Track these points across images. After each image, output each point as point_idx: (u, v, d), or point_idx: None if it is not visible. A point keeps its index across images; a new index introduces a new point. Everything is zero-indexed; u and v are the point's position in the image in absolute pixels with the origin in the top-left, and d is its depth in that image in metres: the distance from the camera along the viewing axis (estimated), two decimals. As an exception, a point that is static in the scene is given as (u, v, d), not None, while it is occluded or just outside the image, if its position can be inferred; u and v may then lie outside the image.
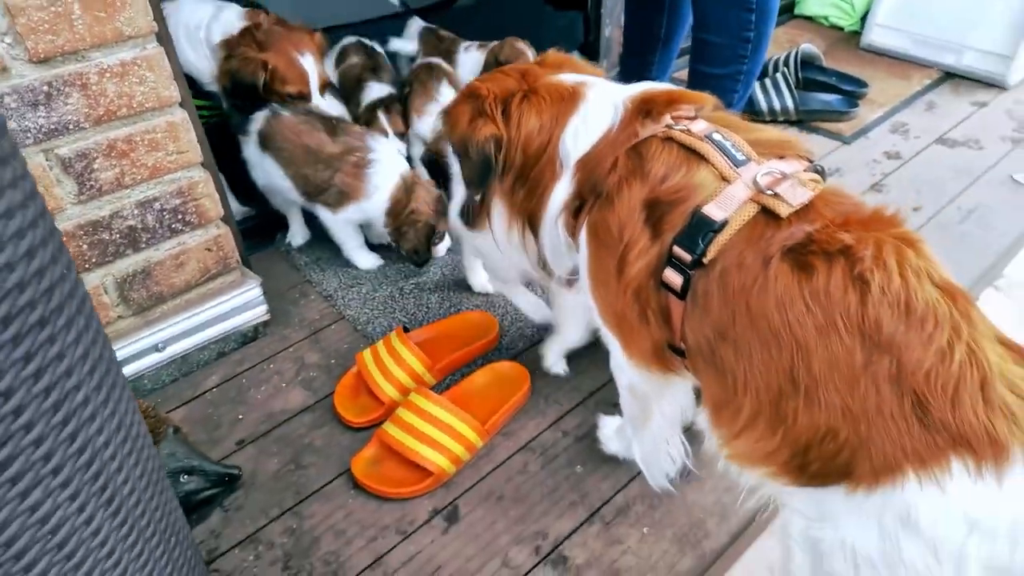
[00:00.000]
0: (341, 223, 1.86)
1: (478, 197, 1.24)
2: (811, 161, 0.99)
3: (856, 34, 3.22)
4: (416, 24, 2.51)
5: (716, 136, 0.98)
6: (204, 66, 1.85)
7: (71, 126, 1.25)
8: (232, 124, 1.91)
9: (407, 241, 1.80)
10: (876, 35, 3.08)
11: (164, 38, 1.32)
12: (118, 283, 1.44)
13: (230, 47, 1.80)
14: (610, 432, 1.42)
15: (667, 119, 1.02)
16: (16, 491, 0.59)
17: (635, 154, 1.01)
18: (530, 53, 2.25)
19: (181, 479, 1.23)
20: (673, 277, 0.94)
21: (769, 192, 0.90)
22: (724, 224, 0.90)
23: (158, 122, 1.35)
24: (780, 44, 3.10)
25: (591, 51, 2.77)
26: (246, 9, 1.87)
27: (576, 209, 1.09)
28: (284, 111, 1.81)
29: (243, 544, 1.30)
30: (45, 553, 0.64)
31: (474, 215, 1.29)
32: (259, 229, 2.02)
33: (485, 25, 3.33)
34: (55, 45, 1.18)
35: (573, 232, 1.11)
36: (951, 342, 0.78)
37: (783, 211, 0.88)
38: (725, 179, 0.93)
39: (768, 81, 2.61)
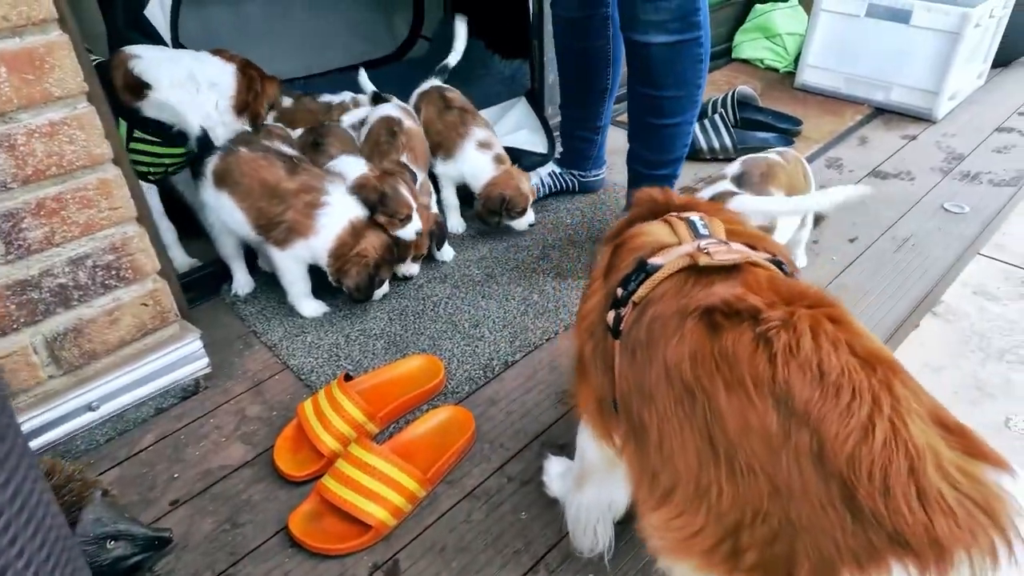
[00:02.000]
0: (289, 261, 1.85)
1: None
2: (775, 257, 0.99)
3: (791, 75, 3.36)
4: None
5: (692, 217, 1.05)
6: (200, 111, 1.84)
7: (-2, 187, 1.24)
8: (192, 170, 1.90)
9: (349, 278, 1.82)
10: (808, 75, 3.21)
11: (96, 97, 1.32)
12: (48, 342, 1.40)
13: None
14: (554, 474, 1.42)
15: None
16: None
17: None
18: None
19: (108, 545, 1.19)
20: (610, 316, 0.99)
21: (704, 251, 0.93)
22: (657, 268, 0.95)
23: (89, 179, 1.34)
24: (719, 86, 3.21)
25: (536, 98, 2.83)
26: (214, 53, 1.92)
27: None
28: (241, 148, 1.82)
29: (176, 610, 1.25)
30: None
31: None
32: (205, 281, 2.00)
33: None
34: (-21, 108, 1.17)
35: None
36: (871, 417, 0.71)
37: (702, 260, 0.91)
38: (682, 242, 1.00)
39: (707, 122, 2.69)
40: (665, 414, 0.84)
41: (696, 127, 2.62)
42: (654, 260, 0.97)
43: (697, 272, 0.92)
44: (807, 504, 0.71)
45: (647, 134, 2.04)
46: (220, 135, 1.88)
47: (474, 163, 2.20)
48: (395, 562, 1.31)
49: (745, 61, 3.57)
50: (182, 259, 2.00)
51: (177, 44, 2.05)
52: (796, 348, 0.75)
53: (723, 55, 3.64)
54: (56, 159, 1.29)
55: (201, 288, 1.98)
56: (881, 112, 3.03)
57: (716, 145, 2.68)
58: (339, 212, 1.80)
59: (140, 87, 1.75)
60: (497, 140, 2.30)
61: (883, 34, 2.91)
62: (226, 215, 1.82)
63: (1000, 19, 3.12)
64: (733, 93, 2.79)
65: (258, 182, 1.78)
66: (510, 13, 2.74)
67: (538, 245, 2.22)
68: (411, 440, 1.51)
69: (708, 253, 0.92)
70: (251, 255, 2.02)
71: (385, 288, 1.93)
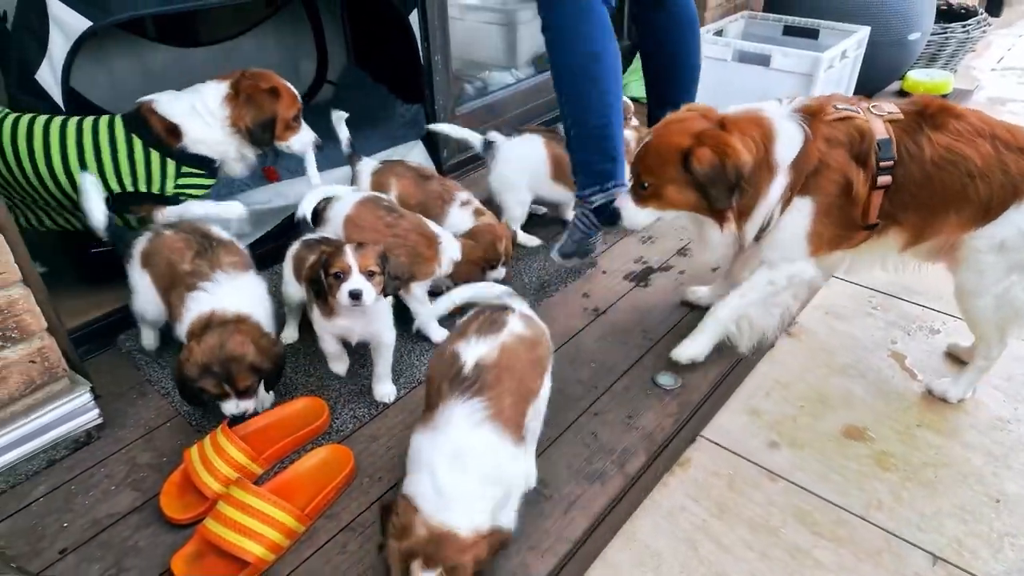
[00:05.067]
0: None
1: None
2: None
3: (676, 111, 3.61)
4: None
5: (844, 106, 1.74)
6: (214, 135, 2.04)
7: None
8: (117, 248, 1.89)
9: (176, 371, 1.67)
10: (690, 113, 3.47)
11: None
12: (-67, 404, 1.48)
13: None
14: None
15: (828, 111, 1.74)
16: None
17: (826, 141, 1.72)
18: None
19: (-8, 597, 1.26)
20: (884, 179, 1.69)
21: (878, 108, 1.73)
22: (889, 139, 1.68)
23: (-31, 248, 1.43)
24: (609, 123, 3.44)
25: (432, 143, 3.00)
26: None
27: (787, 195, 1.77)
28: (167, 230, 1.85)
29: (59, 655, 1.33)
30: None
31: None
32: (101, 332, 2.07)
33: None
34: None
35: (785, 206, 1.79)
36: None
37: (887, 117, 1.71)
38: (868, 122, 1.70)
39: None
40: (936, 176, 1.68)
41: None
42: (880, 135, 1.67)
43: (895, 121, 1.72)
44: (995, 174, 1.65)
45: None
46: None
47: (459, 220, 2.32)
48: (271, 594, 1.43)
49: (634, 99, 3.81)
50: None
51: (69, 104, 2.11)
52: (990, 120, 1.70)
53: (615, 93, 3.89)
54: (-66, 230, 1.37)
55: (97, 339, 2.05)
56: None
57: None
58: (205, 302, 1.72)
59: (174, 130, 1.98)
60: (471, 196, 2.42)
61: (749, 76, 3.19)
62: (151, 298, 1.84)
63: (855, 58, 3.44)
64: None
65: (166, 264, 1.79)
66: (406, 61, 2.90)
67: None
68: (292, 479, 1.63)
69: (886, 110, 1.73)
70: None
71: (249, 404, 1.71)
